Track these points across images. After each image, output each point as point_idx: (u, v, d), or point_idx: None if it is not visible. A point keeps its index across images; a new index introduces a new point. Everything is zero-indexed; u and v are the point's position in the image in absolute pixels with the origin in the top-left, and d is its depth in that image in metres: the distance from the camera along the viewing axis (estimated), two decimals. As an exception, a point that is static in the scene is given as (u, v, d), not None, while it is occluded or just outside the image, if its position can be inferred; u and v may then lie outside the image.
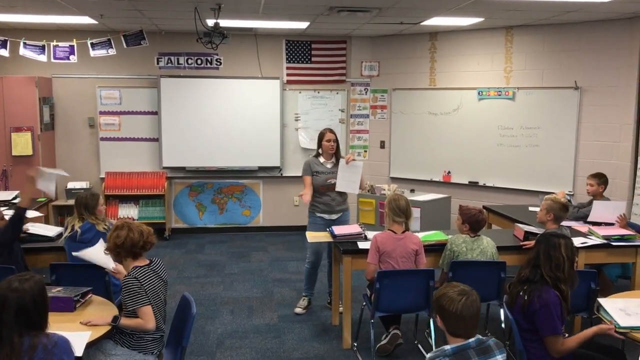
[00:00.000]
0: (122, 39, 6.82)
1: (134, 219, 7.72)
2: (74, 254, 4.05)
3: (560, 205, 4.51)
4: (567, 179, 6.88)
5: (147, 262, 3.31)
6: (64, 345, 2.44)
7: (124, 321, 3.15)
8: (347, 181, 5.18)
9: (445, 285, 2.58)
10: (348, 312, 4.56)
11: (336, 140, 5.29)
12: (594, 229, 4.93)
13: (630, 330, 3.08)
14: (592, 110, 6.79)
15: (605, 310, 3.29)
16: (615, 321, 3.17)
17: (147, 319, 3.14)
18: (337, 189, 5.18)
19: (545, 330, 3.09)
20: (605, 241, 4.70)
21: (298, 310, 5.37)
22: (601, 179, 5.67)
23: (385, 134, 8.49)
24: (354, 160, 5.20)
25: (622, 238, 4.74)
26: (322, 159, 5.30)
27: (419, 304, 4.22)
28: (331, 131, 5.33)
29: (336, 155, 5.31)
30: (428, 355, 2.46)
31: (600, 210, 5.32)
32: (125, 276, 3.22)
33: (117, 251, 3.24)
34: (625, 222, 5.00)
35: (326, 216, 5.27)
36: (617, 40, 6.54)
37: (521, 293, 3.23)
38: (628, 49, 6.45)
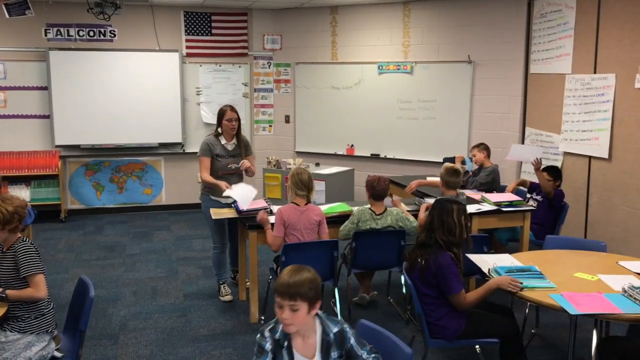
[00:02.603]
0: (4, 8, 6.31)
1: (27, 202, 7.29)
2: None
3: (444, 170, 4.70)
4: (462, 149, 7.21)
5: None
6: None
7: (12, 293, 3.00)
8: (239, 196, 4.62)
9: None
10: (255, 287, 4.57)
11: (238, 119, 4.90)
12: (486, 195, 5.21)
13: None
14: (484, 83, 7.13)
15: (497, 272, 3.49)
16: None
17: (40, 287, 3.02)
18: (226, 193, 4.65)
19: (448, 291, 3.25)
20: (496, 207, 4.98)
21: (227, 297, 5.03)
22: (480, 146, 6.01)
23: (289, 109, 8.49)
24: (250, 169, 4.90)
25: (511, 204, 5.05)
26: (222, 140, 4.92)
27: (324, 274, 4.28)
28: (232, 109, 4.88)
29: (237, 135, 4.96)
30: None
31: (518, 150, 5.72)
32: (16, 243, 3.05)
33: (12, 222, 3.04)
34: (540, 166, 5.34)
35: (222, 200, 4.93)
36: (506, 17, 6.88)
37: (419, 259, 3.37)
38: (515, 24, 6.80)
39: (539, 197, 5.42)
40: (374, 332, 2.55)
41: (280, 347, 2.36)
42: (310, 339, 2.37)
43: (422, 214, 4.60)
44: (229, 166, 4.96)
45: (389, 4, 7.52)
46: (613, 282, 3.29)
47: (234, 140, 4.97)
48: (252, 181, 5.17)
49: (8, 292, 3.00)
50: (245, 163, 4.91)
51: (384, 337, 2.49)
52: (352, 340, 2.39)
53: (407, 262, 3.53)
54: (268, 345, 2.36)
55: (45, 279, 3.11)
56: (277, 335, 2.37)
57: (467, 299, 3.26)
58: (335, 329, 2.38)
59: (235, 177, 5.03)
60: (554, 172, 5.41)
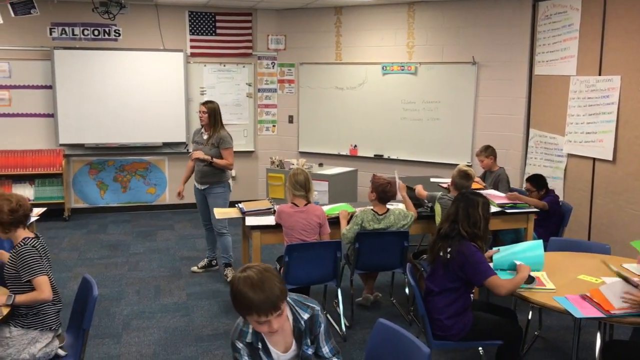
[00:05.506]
0: (9, 7, 6.33)
1: (29, 200, 7.31)
2: None
3: (456, 172, 4.68)
4: (466, 151, 7.21)
5: (34, 235, 3.18)
6: None
7: (19, 298, 3.01)
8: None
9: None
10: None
11: (207, 112, 5.34)
12: (490, 197, 5.19)
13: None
14: (488, 84, 7.11)
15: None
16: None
17: (43, 288, 3.02)
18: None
19: (480, 277, 3.18)
20: (500, 209, 4.98)
21: (194, 268, 5.75)
22: (487, 150, 5.94)
23: (293, 109, 8.48)
24: (199, 157, 5.34)
25: (515, 206, 5.04)
26: (203, 130, 5.50)
27: (327, 275, 4.29)
28: (204, 103, 5.43)
29: (214, 127, 5.38)
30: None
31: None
32: (18, 245, 3.06)
33: (11, 220, 3.05)
34: (516, 195, 5.26)
35: (196, 184, 5.53)
36: (510, 18, 6.86)
37: (441, 252, 3.32)
38: (520, 26, 6.79)
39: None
40: (392, 331, 2.54)
41: (256, 349, 2.25)
42: (285, 326, 2.25)
43: (422, 191, 4.91)
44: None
45: (393, 4, 7.51)
46: (617, 285, 3.28)
47: (210, 131, 5.42)
48: (254, 180, 5.22)
49: (17, 297, 3.01)
50: (195, 153, 5.37)
51: (402, 337, 2.48)
52: (322, 328, 2.32)
53: (428, 254, 3.48)
54: (246, 359, 2.25)
55: (49, 279, 3.11)
56: (249, 339, 2.24)
57: (504, 283, 3.18)
58: (306, 316, 2.28)
59: (206, 164, 5.38)
60: (537, 181, 5.31)
